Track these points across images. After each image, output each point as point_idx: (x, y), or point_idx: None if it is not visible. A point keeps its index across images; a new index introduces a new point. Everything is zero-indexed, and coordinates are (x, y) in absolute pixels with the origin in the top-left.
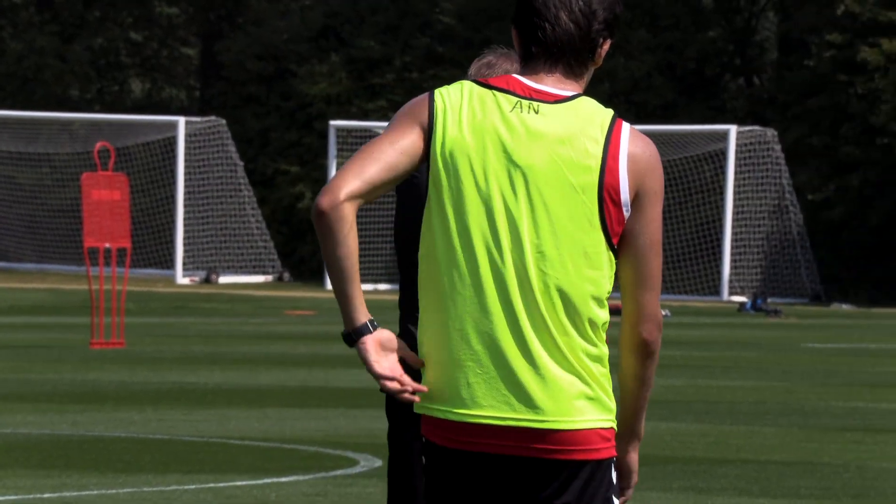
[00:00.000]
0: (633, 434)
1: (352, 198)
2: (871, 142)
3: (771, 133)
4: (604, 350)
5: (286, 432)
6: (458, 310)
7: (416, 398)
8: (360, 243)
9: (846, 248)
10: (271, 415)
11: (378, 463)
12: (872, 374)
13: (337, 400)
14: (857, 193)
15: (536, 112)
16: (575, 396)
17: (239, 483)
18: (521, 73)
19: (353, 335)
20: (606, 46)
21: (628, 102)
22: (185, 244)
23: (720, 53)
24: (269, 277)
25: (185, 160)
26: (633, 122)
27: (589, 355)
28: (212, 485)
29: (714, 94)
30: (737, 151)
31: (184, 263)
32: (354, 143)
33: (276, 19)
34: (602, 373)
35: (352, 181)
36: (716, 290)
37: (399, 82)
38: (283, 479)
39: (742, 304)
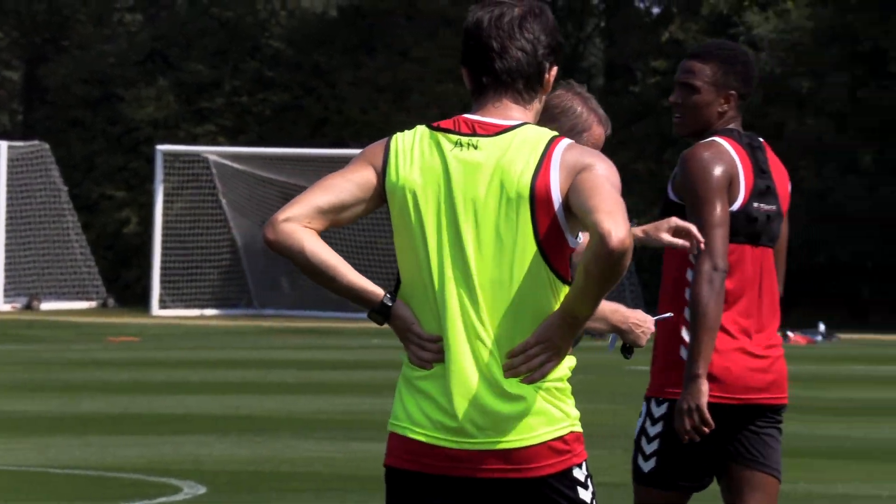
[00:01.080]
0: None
1: (290, 220)
2: None
3: None
4: (562, 363)
5: (108, 460)
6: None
7: (441, 358)
8: (185, 268)
9: None
10: (94, 442)
11: (202, 490)
12: None
13: (161, 426)
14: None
15: (476, 147)
16: (525, 415)
17: None
18: (473, 109)
19: (386, 303)
20: (553, 72)
21: None
22: (6, 270)
23: None
24: (94, 303)
25: (7, 185)
26: None
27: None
28: None
29: None
30: None
31: (4, 289)
32: (182, 168)
33: (103, 43)
34: (555, 385)
35: (291, 208)
36: None
37: (228, 106)
38: None
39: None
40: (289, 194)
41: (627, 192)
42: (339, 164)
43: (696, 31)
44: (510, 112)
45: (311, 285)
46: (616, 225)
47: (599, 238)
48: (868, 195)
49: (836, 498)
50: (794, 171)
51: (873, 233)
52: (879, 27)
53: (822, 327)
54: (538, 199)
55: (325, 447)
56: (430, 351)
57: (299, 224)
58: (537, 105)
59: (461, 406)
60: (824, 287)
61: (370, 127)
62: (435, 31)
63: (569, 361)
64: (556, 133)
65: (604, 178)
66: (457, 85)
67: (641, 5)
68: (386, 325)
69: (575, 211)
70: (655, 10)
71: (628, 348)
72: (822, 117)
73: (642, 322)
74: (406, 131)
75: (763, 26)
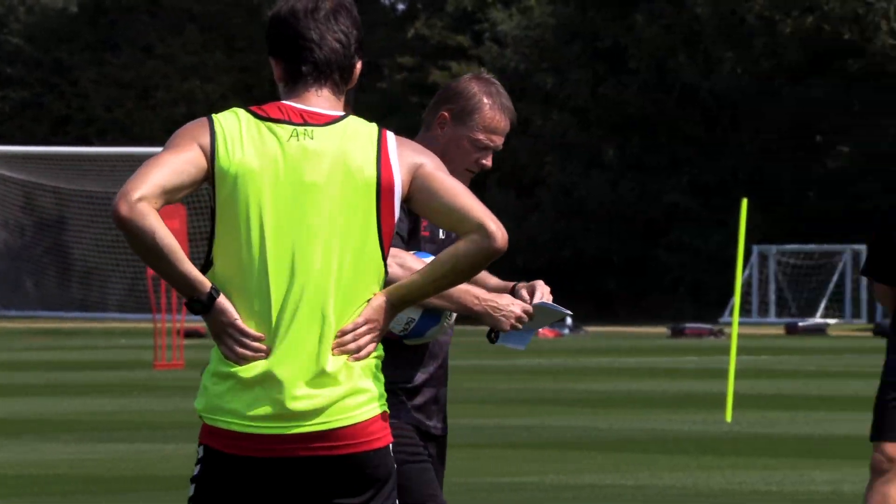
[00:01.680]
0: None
1: (143, 199)
2: None
3: None
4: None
5: None
6: (248, 325)
7: (262, 356)
8: None
9: None
10: None
11: None
12: None
13: None
14: None
15: (312, 138)
16: (353, 393)
17: None
18: (290, 98)
19: (213, 294)
20: (359, 67)
21: None
22: None
23: None
24: None
25: None
26: None
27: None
28: None
29: None
30: None
31: None
32: None
33: None
34: (375, 362)
35: (141, 187)
36: None
37: None
38: None
39: None
40: (30, 193)
41: None
42: (85, 161)
43: (442, 27)
44: (330, 103)
45: (56, 286)
46: (499, 225)
47: (486, 236)
48: (611, 190)
49: (584, 488)
50: (540, 166)
51: (617, 227)
52: (619, 24)
53: (569, 321)
54: (384, 191)
55: (72, 449)
56: (249, 348)
57: (150, 204)
58: (344, 98)
59: (293, 393)
60: (571, 281)
61: (114, 125)
62: (180, 27)
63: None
64: (376, 124)
65: (445, 173)
66: (203, 82)
67: (387, 2)
68: (146, 323)
69: (434, 210)
70: (401, 7)
71: (493, 333)
72: (566, 113)
73: (503, 306)
74: (224, 114)
75: (507, 23)
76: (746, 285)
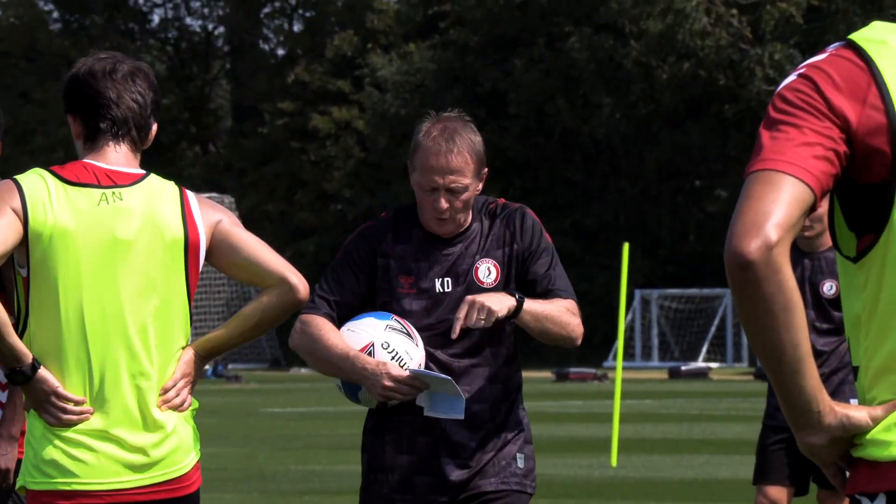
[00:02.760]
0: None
1: None
2: (326, 208)
3: (228, 200)
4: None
5: None
6: (73, 384)
7: (87, 418)
8: None
9: None
10: None
11: None
12: (330, 437)
13: None
14: (314, 259)
15: (121, 199)
16: (181, 443)
17: None
18: (91, 155)
19: (35, 364)
20: (155, 129)
21: None
22: None
23: (175, 121)
24: None
25: None
26: None
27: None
28: None
29: (170, 162)
30: None
31: None
32: None
33: None
34: (187, 414)
35: None
36: None
37: None
38: None
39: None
40: None
41: (259, 231)
42: None
43: (322, 72)
44: (131, 161)
45: None
46: (300, 277)
47: (289, 289)
48: None
49: None
50: None
51: None
52: (498, 69)
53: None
54: (191, 247)
55: None
56: (72, 413)
57: None
58: (140, 157)
59: (126, 448)
60: None
61: None
62: (56, 73)
63: None
64: (174, 183)
65: (241, 228)
66: None
67: (266, 47)
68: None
69: (235, 265)
70: (280, 52)
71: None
72: None
73: (370, 375)
74: (28, 175)
75: (387, 68)
76: (629, 329)
